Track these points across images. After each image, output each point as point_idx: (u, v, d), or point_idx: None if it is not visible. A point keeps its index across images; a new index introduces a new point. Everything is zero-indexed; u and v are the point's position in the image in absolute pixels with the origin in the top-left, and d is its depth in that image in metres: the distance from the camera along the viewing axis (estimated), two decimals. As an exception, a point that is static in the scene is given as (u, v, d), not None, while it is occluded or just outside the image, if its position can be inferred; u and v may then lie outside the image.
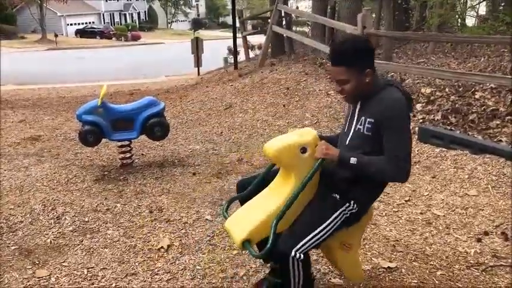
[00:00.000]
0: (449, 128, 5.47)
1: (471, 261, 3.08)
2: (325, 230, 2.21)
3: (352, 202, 2.27)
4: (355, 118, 2.26)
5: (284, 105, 6.95)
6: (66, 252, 3.32)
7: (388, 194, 4.14)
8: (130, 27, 52.08)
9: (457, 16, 8.31)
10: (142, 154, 5.59)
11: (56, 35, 36.96)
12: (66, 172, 4.91)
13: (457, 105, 5.83)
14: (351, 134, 2.28)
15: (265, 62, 9.86)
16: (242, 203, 2.48)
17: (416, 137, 5.31)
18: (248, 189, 2.47)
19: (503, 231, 3.42)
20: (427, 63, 7.91)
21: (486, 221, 3.60)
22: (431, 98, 6.13)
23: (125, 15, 57.67)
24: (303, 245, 2.14)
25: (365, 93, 2.21)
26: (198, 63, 15.28)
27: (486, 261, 3.07)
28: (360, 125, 2.21)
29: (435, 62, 8.09)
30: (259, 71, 8.95)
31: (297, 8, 30.91)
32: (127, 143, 4.98)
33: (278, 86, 7.68)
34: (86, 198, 4.21)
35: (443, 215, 3.71)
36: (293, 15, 11.76)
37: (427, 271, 2.98)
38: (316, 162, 2.21)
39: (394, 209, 3.85)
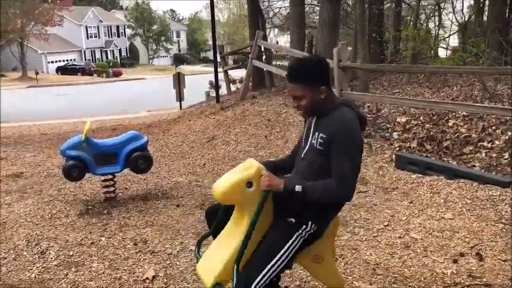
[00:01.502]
0: (424, 155, 5.68)
1: (448, 282, 3.20)
2: (283, 258, 2.25)
3: (309, 223, 2.30)
4: (311, 133, 2.35)
5: (266, 136, 7.12)
6: (51, 287, 3.34)
7: (368, 219, 4.28)
8: (111, 64, 52.48)
9: (429, 48, 8.69)
10: (126, 188, 5.64)
11: (37, 73, 37.01)
12: (49, 208, 4.93)
13: (431, 133, 6.07)
14: (306, 148, 2.37)
15: (246, 95, 10.09)
16: (214, 234, 2.52)
17: (394, 164, 5.51)
18: (212, 228, 2.56)
19: (477, 252, 3.56)
20: (401, 93, 8.22)
21: (462, 242, 3.74)
22: (407, 126, 6.36)
23: (106, 51, 58.10)
24: (261, 279, 2.19)
25: (320, 109, 2.30)
26: (180, 97, 15.47)
27: (462, 281, 3.19)
28: (314, 139, 2.29)
29: (410, 92, 8.41)
30: (241, 104, 9.17)
31: (277, 42, 31.67)
32: (110, 177, 5.04)
33: (259, 118, 7.87)
34: (70, 233, 4.24)
35: (421, 238, 3.84)
36: (273, 49, 12.12)
37: (406, 292, 3.09)
38: (262, 196, 2.24)
39: (373, 234, 3.97)
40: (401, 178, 5.17)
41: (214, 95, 12.08)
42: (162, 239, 4.01)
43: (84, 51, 54.57)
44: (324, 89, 2.28)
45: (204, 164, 6.45)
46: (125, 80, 41.25)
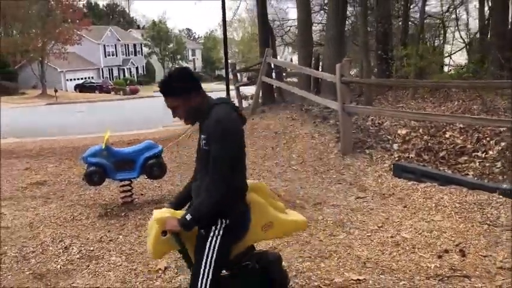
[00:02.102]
0: (422, 164, 6.03)
1: (431, 274, 3.54)
2: (207, 266, 2.40)
3: (218, 222, 2.42)
4: (200, 137, 2.49)
5: (272, 148, 7.54)
6: (74, 276, 3.77)
7: (364, 221, 4.64)
8: (128, 81, 53.62)
9: (429, 64, 9.07)
10: (142, 194, 6.07)
11: (56, 90, 38.09)
12: (71, 211, 5.39)
13: (429, 144, 6.42)
14: (200, 151, 2.53)
15: (256, 109, 10.56)
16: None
17: (392, 172, 5.87)
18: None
19: (461, 249, 3.89)
20: (405, 107, 8.59)
21: (447, 241, 4.07)
22: (407, 138, 6.73)
23: (123, 69, 59.40)
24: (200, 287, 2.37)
25: (198, 113, 2.44)
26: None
27: (444, 273, 3.53)
28: (201, 142, 2.44)
29: (413, 106, 8.77)
30: (251, 118, 9.62)
31: (291, 60, 32.24)
32: (128, 182, 5.49)
33: (267, 131, 8.30)
34: (90, 232, 4.68)
35: (411, 238, 4.19)
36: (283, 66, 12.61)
37: (392, 282, 3.43)
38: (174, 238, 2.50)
39: (367, 234, 4.33)
40: (398, 185, 5.53)
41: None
42: (174, 237, 4.42)
43: (102, 69, 55.91)
44: (194, 94, 2.42)
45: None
46: (141, 97, 42.15)
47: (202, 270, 2.42)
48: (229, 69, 12.87)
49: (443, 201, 4.90)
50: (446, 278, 3.44)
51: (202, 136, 2.43)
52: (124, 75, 58.61)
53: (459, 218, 4.52)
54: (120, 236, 4.53)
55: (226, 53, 11.86)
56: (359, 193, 5.50)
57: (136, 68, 61.49)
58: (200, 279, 2.42)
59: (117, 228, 4.79)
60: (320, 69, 11.20)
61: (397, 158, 6.27)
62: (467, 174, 5.60)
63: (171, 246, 2.56)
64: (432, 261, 3.72)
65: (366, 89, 8.85)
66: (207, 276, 2.42)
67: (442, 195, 5.01)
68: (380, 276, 3.51)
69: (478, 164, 5.75)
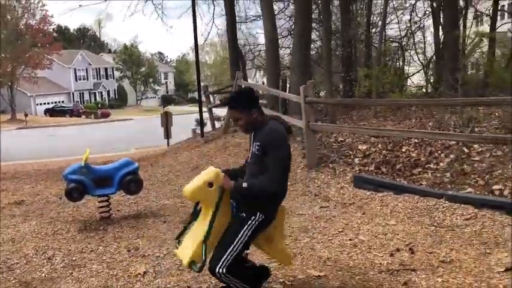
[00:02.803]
0: (380, 176, 6.56)
1: (383, 269, 3.99)
2: (238, 244, 3.01)
3: (257, 214, 3.04)
4: (252, 144, 3.11)
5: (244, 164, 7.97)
6: (59, 282, 4.06)
7: (326, 227, 5.08)
8: (100, 105, 53.41)
9: (384, 85, 9.76)
10: (118, 210, 6.38)
11: (26, 115, 37.71)
12: (51, 226, 5.65)
13: (387, 158, 6.97)
14: (250, 154, 3.16)
15: (228, 129, 11.03)
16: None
17: (353, 184, 6.37)
18: (187, 223, 3.39)
19: (410, 248, 4.37)
20: (366, 125, 9.18)
21: (399, 242, 4.55)
22: (367, 153, 7.27)
23: (94, 93, 59.17)
24: (222, 262, 2.96)
25: (255, 126, 3.08)
26: (167, 135, 16.30)
27: (394, 268, 3.99)
28: (254, 148, 3.06)
29: (374, 124, 9.38)
30: (223, 137, 10.08)
31: (263, 82, 33.01)
32: (106, 198, 5.81)
33: (239, 149, 8.76)
34: (72, 244, 4.98)
35: (367, 240, 4.65)
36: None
37: (348, 277, 3.87)
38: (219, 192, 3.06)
39: (328, 238, 4.77)
40: (358, 195, 6.03)
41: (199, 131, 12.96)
42: (152, 246, 4.76)
43: (73, 93, 55.57)
44: (255, 110, 3.07)
45: (188, 189, 7.25)
46: (112, 120, 42.08)
47: (233, 246, 3.00)
48: (202, 92, 13.31)
49: (398, 207, 5.41)
50: (396, 272, 3.90)
51: (256, 143, 3.03)
52: (95, 99, 58.35)
53: (410, 221, 5.02)
54: (100, 247, 4.83)
55: (198, 76, 12.31)
56: (323, 203, 5.96)
57: (108, 91, 61.33)
58: (229, 252, 2.99)
59: (97, 240, 5.09)
60: (287, 91, 11.77)
61: (358, 171, 6.78)
62: (421, 184, 6.14)
63: (208, 196, 3.02)
64: (385, 259, 4.17)
65: (330, 108, 9.43)
66: (233, 253, 3.00)
67: (396, 203, 5.52)
68: (338, 272, 3.94)
69: (430, 174, 6.31)
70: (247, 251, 3.35)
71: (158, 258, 4.43)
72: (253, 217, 3.05)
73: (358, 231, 4.88)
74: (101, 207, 5.85)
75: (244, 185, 2.99)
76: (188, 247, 3.10)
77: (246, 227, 3.04)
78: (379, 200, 5.71)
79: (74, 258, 4.54)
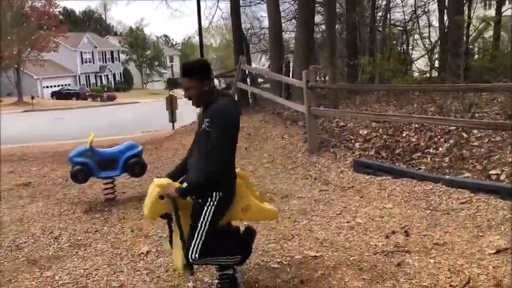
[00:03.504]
0: (380, 161, 6.65)
1: (378, 250, 4.11)
2: (202, 228, 2.97)
3: (213, 194, 2.96)
4: (203, 120, 2.98)
5: (246, 148, 8.11)
6: (65, 260, 4.22)
7: (324, 210, 5.20)
8: (105, 88, 53.54)
9: (387, 71, 9.79)
10: (123, 192, 6.52)
11: (33, 97, 37.81)
12: (58, 208, 5.81)
13: (387, 143, 7.05)
14: (199, 132, 3.05)
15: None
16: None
17: (353, 168, 6.47)
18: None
19: (405, 230, 4.48)
20: (368, 110, 9.24)
21: (395, 224, 4.66)
22: (368, 137, 7.35)
23: (100, 76, 59.24)
24: (192, 249, 2.98)
25: (205, 99, 2.98)
26: (172, 118, 16.38)
27: (389, 250, 4.10)
28: (204, 124, 2.94)
29: (376, 110, 9.43)
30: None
31: (268, 66, 32.95)
32: (110, 180, 5.95)
33: (241, 132, 8.64)
34: (77, 224, 5.13)
35: (364, 222, 4.77)
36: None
37: (344, 257, 3.99)
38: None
39: (326, 220, 4.90)
40: (357, 179, 6.14)
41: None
42: (154, 227, 4.90)
43: (79, 76, 55.68)
44: (207, 82, 2.97)
45: (191, 172, 7.39)
46: (118, 104, 42.20)
47: (197, 231, 2.99)
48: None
49: (395, 191, 5.51)
50: (390, 253, 4.02)
51: (205, 119, 2.92)
52: (101, 82, 58.46)
53: (407, 205, 5.13)
54: (105, 227, 4.99)
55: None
56: (322, 186, 6.08)
57: (114, 74, 61.39)
58: (195, 238, 2.99)
59: (102, 221, 5.25)
60: (291, 75, 11.81)
61: (358, 156, 6.88)
62: (420, 168, 6.22)
63: (166, 208, 3.08)
64: (380, 241, 4.30)
65: (332, 93, 9.50)
66: (201, 237, 3.00)
67: (394, 187, 5.63)
68: (334, 253, 4.07)
69: (429, 159, 6.39)
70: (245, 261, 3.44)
71: (161, 239, 4.57)
72: (210, 198, 3.00)
73: (356, 214, 5.00)
74: (106, 189, 5.99)
75: (185, 186, 2.96)
76: (178, 255, 3.20)
77: (205, 209, 2.99)
78: (378, 184, 5.82)
79: (79, 238, 4.70)
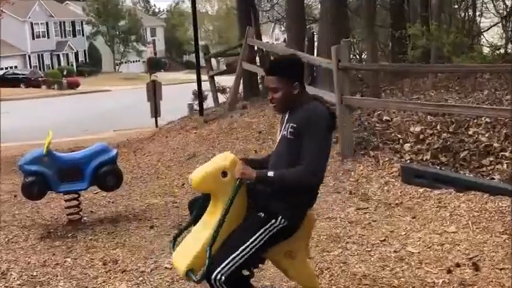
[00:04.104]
0: (438, 167, 6.64)
1: (437, 290, 4.12)
2: (248, 250, 3.12)
3: (279, 218, 3.18)
4: (284, 126, 3.27)
5: (255, 151, 8.14)
6: (15, 304, 4.28)
7: (363, 235, 5.22)
8: (65, 72, 53.85)
9: (452, 44, 9.71)
10: (92, 211, 6.59)
11: (-33, 85, 38.17)
12: (5, 233, 5.87)
13: (448, 143, 7.04)
14: (278, 139, 3.33)
15: (235, 105, 11.15)
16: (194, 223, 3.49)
17: (401, 178, 6.48)
18: (188, 222, 3.55)
19: (474, 262, 4.48)
20: (422, 99, 9.22)
21: (461, 254, 4.66)
22: (421, 136, 7.34)
23: (58, 56, 59.63)
24: (223, 267, 3.06)
25: (293, 104, 3.24)
26: (155, 112, 16.46)
27: (452, 289, 4.11)
28: (285, 130, 3.21)
29: (432, 98, 9.41)
30: (228, 116, 10.22)
31: (284, 40, 32.78)
32: (75, 196, 6.00)
33: (249, 131, 8.94)
34: (31, 255, 5.19)
35: (418, 252, 4.77)
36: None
37: (391, 300, 4.01)
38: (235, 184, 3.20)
39: (367, 249, 4.91)
40: (407, 193, 6.14)
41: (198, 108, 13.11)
42: (134, 259, 4.95)
43: (29, 56, 56.05)
44: (298, 85, 3.23)
45: (183, 184, 7.42)
46: (83, 92, 42.47)
47: (242, 249, 3.12)
48: (201, 54, 13.40)
49: (460, 210, 5.51)
50: (454, 294, 4.02)
51: (290, 124, 3.19)
52: (59, 64, 58.85)
53: (476, 228, 5.12)
54: (68, 259, 5.04)
55: (196, 33, 12.43)
56: (360, 203, 6.09)
57: (76, 53, 61.77)
58: (236, 255, 3.11)
59: (64, 251, 5.30)
60: (315, 53, 11.79)
61: (408, 161, 6.88)
62: (493, 178, 6.21)
63: (221, 188, 3.19)
64: (440, 277, 4.30)
65: (372, 77, 9.48)
66: (242, 257, 3.12)
67: (458, 203, 5.63)
68: (377, 294, 4.08)
69: (505, 165, 6.37)
70: (259, 266, 3.49)
71: (143, 274, 4.61)
72: (273, 220, 3.19)
73: (406, 241, 5.01)
74: (69, 207, 6.04)
75: (270, 174, 3.14)
76: (187, 252, 3.24)
77: (261, 231, 3.17)
78: (436, 200, 5.82)
79: (34, 274, 4.75)
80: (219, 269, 3.08)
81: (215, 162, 3.30)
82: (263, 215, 3.21)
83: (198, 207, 3.45)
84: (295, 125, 3.16)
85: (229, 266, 3.09)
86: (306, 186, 3.21)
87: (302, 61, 3.42)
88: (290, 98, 3.24)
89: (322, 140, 3.16)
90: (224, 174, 3.19)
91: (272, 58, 3.66)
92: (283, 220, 3.20)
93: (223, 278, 3.06)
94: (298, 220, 3.31)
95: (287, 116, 3.30)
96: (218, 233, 3.13)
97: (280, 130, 3.33)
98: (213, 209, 3.30)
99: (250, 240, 3.14)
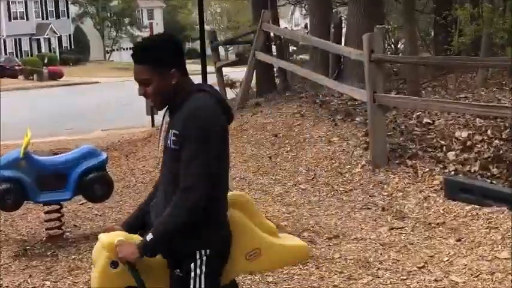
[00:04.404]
0: (489, 181, 6.60)
1: (486, 327, 4.09)
2: None
3: (197, 255, 2.87)
4: (167, 132, 2.92)
5: (270, 158, 8.15)
6: (-14, 334, 4.29)
7: (398, 261, 5.20)
8: (46, 60, 54.05)
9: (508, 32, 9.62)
10: (75, 225, 6.60)
11: None
12: (-27, 250, 5.91)
13: (500, 152, 6.99)
14: (164, 150, 2.98)
15: (246, 101, 11.15)
16: None
17: (444, 192, 6.44)
18: None
19: (530, 294, 4.45)
20: (469, 98, 9.15)
21: (515, 285, 4.63)
22: (468, 143, 7.30)
23: (37, 41, 59.82)
24: None
25: (172, 98, 2.92)
26: (151, 109, 16.45)
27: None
28: (169, 138, 2.87)
29: (483, 98, 9.35)
30: (238, 114, 10.16)
31: (305, 26, 32.62)
32: (56, 207, 6.01)
33: (263, 133, 8.94)
34: (4, 277, 5.22)
35: (463, 282, 4.74)
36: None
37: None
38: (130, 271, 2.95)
39: (402, 277, 4.88)
40: (451, 211, 6.11)
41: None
42: (125, 283, 4.94)
43: (4, 40, 56.29)
44: (175, 72, 2.88)
45: (184, 196, 7.42)
46: (67, 84, 42.57)
47: None
48: (207, 41, 13.39)
49: (514, 231, 5.47)
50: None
51: (172, 131, 2.86)
52: (39, 50, 59.04)
53: (533, 254, 5.08)
54: (47, 282, 5.06)
55: (201, 16, 12.44)
56: (395, 222, 6.06)
57: (59, 38, 61.93)
58: None
59: (42, 272, 5.32)
60: (343, 42, 11.76)
61: (452, 172, 6.83)
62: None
63: (125, 281, 2.97)
64: (490, 311, 4.27)
65: (410, 71, 9.41)
66: None
67: (512, 224, 5.59)
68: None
69: None
70: None
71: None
72: (193, 264, 2.91)
73: (450, 268, 4.98)
74: (49, 220, 6.06)
75: (149, 237, 2.82)
76: None
77: (191, 283, 2.90)
78: (485, 220, 5.77)
79: (7, 298, 4.77)
80: None
81: (96, 263, 3.05)
82: (178, 271, 2.93)
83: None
84: (177, 132, 2.83)
85: None
86: (192, 218, 2.83)
87: (179, 41, 3.08)
88: (167, 90, 2.91)
89: (205, 151, 2.80)
90: (113, 264, 2.94)
91: (140, 40, 3.15)
92: (202, 252, 2.91)
93: None
94: (220, 234, 2.99)
95: (167, 116, 3.00)
96: None
97: (166, 133, 3.00)
98: None
99: None
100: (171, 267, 2.94)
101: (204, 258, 2.89)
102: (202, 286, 2.89)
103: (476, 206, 6.03)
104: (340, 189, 7.07)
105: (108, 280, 2.93)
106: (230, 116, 3.03)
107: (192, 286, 2.88)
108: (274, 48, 12.96)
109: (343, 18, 13.21)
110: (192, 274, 2.88)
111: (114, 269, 2.91)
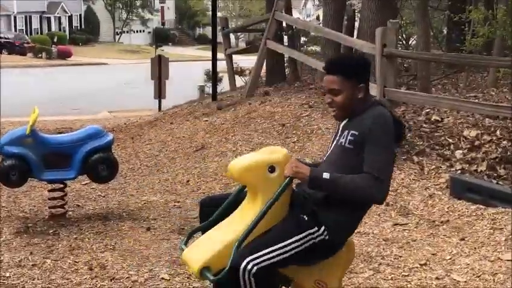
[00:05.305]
0: (496, 181, 6.59)
1: (486, 328, 4.09)
2: (286, 249, 3.14)
3: (322, 228, 3.21)
4: (339, 134, 3.33)
5: (277, 147, 8.10)
6: (-17, 309, 4.30)
7: (400, 257, 5.18)
8: (56, 39, 54.06)
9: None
10: (78, 205, 6.62)
11: None
12: (-25, 226, 5.92)
13: (508, 153, 6.97)
14: (331, 149, 3.38)
15: (255, 90, 11.14)
16: (205, 231, 3.50)
17: (449, 190, 6.43)
18: (211, 218, 3.50)
19: (533, 297, 4.44)
20: (479, 98, 9.14)
21: (517, 287, 4.62)
22: (476, 143, 7.29)
23: (48, 19, 59.81)
24: (257, 257, 3.06)
25: (354, 109, 3.28)
26: (159, 92, 16.48)
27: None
28: (343, 138, 3.26)
29: (493, 97, 9.34)
30: (247, 102, 10.19)
31: (317, 17, 32.59)
32: (60, 186, 6.02)
33: (271, 122, 8.93)
34: (4, 253, 5.22)
35: (465, 281, 4.72)
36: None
37: (430, 336, 3.98)
38: (284, 182, 3.24)
39: (403, 273, 4.87)
40: (455, 209, 6.10)
41: (211, 91, 13.09)
42: (126, 265, 4.95)
43: (15, 17, 56.30)
44: (363, 87, 3.30)
45: (188, 181, 7.44)
46: (75, 64, 42.63)
47: (280, 246, 3.15)
48: (219, 28, 13.37)
49: (519, 233, 5.46)
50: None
51: (351, 132, 3.22)
52: (49, 29, 59.04)
53: (538, 256, 5.07)
54: (48, 261, 5.05)
55: (214, 2, 12.40)
56: (398, 218, 6.05)
57: (70, 17, 61.91)
58: (273, 249, 3.13)
59: (43, 250, 5.32)
60: (355, 34, 11.72)
61: (459, 171, 6.82)
62: None
63: (263, 184, 3.23)
64: (491, 312, 4.27)
65: (422, 67, 9.39)
66: (278, 255, 3.14)
67: (517, 226, 5.57)
68: (414, 328, 4.06)
69: None
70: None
71: (135, 284, 4.61)
72: (316, 229, 3.22)
73: (451, 267, 4.97)
74: (52, 199, 6.06)
75: (326, 175, 3.16)
76: (206, 248, 3.24)
77: (301, 235, 3.20)
78: (490, 221, 5.77)
79: (7, 275, 4.77)
80: (253, 256, 3.09)
81: (265, 153, 3.37)
82: (306, 218, 3.24)
83: (228, 202, 3.47)
84: (356, 133, 3.20)
85: (263, 258, 3.10)
86: (366, 199, 3.29)
87: (369, 60, 3.56)
88: (353, 103, 3.28)
89: (389, 150, 3.23)
90: (271, 169, 3.23)
91: (336, 55, 3.79)
92: (325, 232, 3.23)
93: (254, 268, 3.06)
94: (341, 238, 3.36)
95: (344, 123, 3.35)
96: (255, 227, 3.16)
97: (334, 137, 3.38)
98: (247, 205, 3.34)
99: (292, 239, 3.18)
100: (300, 212, 3.28)
101: (322, 237, 3.22)
102: (305, 245, 3.20)
103: (481, 206, 6.03)
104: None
105: (255, 171, 3.25)
106: (403, 130, 3.57)
107: (302, 235, 3.19)
108: (285, 38, 12.97)
109: (356, 10, 13.17)
110: (308, 232, 3.21)
111: (269, 172, 3.22)
